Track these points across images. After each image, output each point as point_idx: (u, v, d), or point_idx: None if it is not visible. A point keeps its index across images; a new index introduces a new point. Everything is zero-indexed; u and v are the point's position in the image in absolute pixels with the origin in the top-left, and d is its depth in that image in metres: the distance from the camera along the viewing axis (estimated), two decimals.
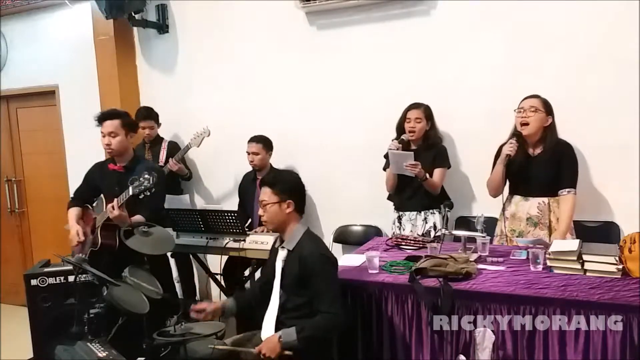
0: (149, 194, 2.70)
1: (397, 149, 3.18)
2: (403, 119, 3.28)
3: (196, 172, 4.36)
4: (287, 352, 2.14)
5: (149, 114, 4.08)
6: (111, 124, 2.93)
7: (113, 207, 2.72)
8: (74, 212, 3.07)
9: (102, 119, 2.96)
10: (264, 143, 3.70)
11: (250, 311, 2.57)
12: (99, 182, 3.08)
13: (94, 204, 3.14)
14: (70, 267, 3.04)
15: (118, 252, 2.84)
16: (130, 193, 2.70)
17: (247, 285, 3.59)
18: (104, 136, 2.95)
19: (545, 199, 2.86)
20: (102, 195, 3.04)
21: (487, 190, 3.05)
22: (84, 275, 2.87)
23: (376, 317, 2.36)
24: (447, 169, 3.31)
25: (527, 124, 2.81)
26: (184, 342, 2.19)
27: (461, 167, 3.52)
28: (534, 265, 2.39)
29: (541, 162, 2.86)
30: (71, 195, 3.24)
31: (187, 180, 4.24)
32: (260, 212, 2.35)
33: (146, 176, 2.67)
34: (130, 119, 3.11)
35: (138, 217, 2.87)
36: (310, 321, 2.18)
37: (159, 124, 4.15)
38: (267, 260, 2.57)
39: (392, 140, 3.25)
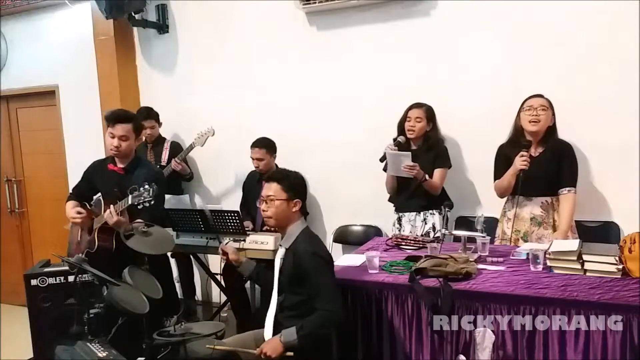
0: (148, 205, 2.64)
1: (394, 150, 3.17)
2: (404, 117, 3.28)
3: (197, 171, 4.36)
4: (288, 353, 2.14)
5: (149, 114, 4.07)
6: (123, 128, 2.87)
7: (112, 214, 2.70)
8: (70, 202, 3.03)
9: (115, 120, 2.88)
10: (267, 148, 3.67)
11: (259, 283, 2.66)
12: (98, 181, 3.05)
13: (92, 203, 3.11)
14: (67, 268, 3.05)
15: (118, 252, 2.83)
16: (130, 202, 2.66)
17: (247, 285, 3.59)
18: (113, 137, 2.88)
19: (548, 198, 2.87)
20: (100, 198, 3.00)
21: (486, 190, 3.07)
22: (84, 275, 2.86)
23: (376, 317, 2.36)
24: (448, 169, 3.30)
25: (537, 122, 2.81)
26: (183, 342, 2.19)
27: (461, 167, 3.52)
28: (534, 265, 2.39)
29: (542, 162, 2.86)
30: (70, 191, 3.20)
31: (188, 180, 4.24)
32: (264, 207, 2.31)
33: (146, 187, 2.61)
34: (139, 122, 3.08)
35: (139, 223, 2.80)
36: (308, 319, 2.18)
37: (160, 124, 4.15)
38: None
39: (394, 139, 3.25)
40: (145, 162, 3.16)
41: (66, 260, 2.81)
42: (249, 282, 3.55)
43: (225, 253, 2.53)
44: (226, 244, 3.30)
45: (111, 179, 2.96)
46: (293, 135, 3.92)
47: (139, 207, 2.65)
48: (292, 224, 2.32)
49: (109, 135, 2.91)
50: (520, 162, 2.80)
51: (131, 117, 2.97)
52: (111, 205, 2.74)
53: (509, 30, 3.30)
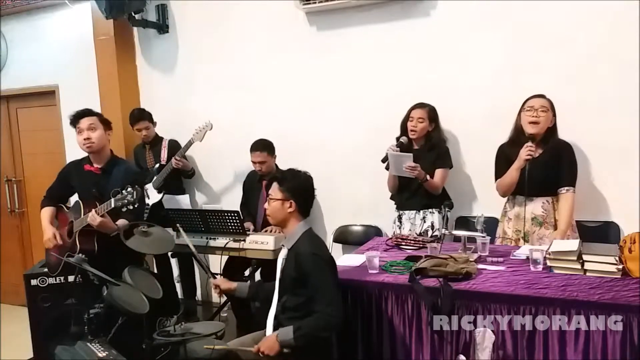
0: (132, 208, 2.62)
1: (395, 150, 3.18)
2: (407, 117, 3.29)
3: (197, 171, 4.35)
4: (285, 350, 2.14)
5: (142, 115, 4.06)
6: (88, 119, 2.87)
7: (95, 216, 2.68)
8: (47, 213, 3.00)
9: (77, 117, 2.89)
10: (268, 150, 3.64)
11: (255, 301, 2.65)
12: (74, 182, 3.01)
13: (69, 204, 3.07)
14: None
15: (100, 255, 2.80)
16: (112, 206, 2.64)
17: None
18: (81, 132, 2.86)
19: (549, 199, 2.87)
20: (79, 200, 2.96)
21: (486, 190, 3.07)
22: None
23: (376, 317, 2.36)
24: (449, 169, 3.31)
25: (537, 123, 2.81)
26: (183, 342, 2.19)
27: (461, 167, 3.52)
28: (534, 265, 2.39)
29: (543, 162, 2.86)
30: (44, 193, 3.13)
31: (190, 177, 4.23)
32: (266, 204, 2.40)
33: (129, 190, 2.60)
34: (105, 118, 3.01)
35: (123, 222, 2.79)
36: (306, 320, 2.18)
37: (154, 123, 4.14)
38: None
39: (399, 139, 3.26)
40: (122, 162, 3.12)
41: (66, 261, 2.80)
42: (249, 282, 3.55)
43: (217, 286, 2.55)
44: (226, 243, 3.31)
45: (88, 179, 2.93)
46: (293, 135, 3.92)
47: (122, 209, 2.64)
48: (292, 224, 2.33)
49: (77, 133, 2.89)
50: (526, 152, 2.79)
51: (93, 112, 2.95)
52: (93, 209, 2.72)
53: (509, 30, 3.30)
